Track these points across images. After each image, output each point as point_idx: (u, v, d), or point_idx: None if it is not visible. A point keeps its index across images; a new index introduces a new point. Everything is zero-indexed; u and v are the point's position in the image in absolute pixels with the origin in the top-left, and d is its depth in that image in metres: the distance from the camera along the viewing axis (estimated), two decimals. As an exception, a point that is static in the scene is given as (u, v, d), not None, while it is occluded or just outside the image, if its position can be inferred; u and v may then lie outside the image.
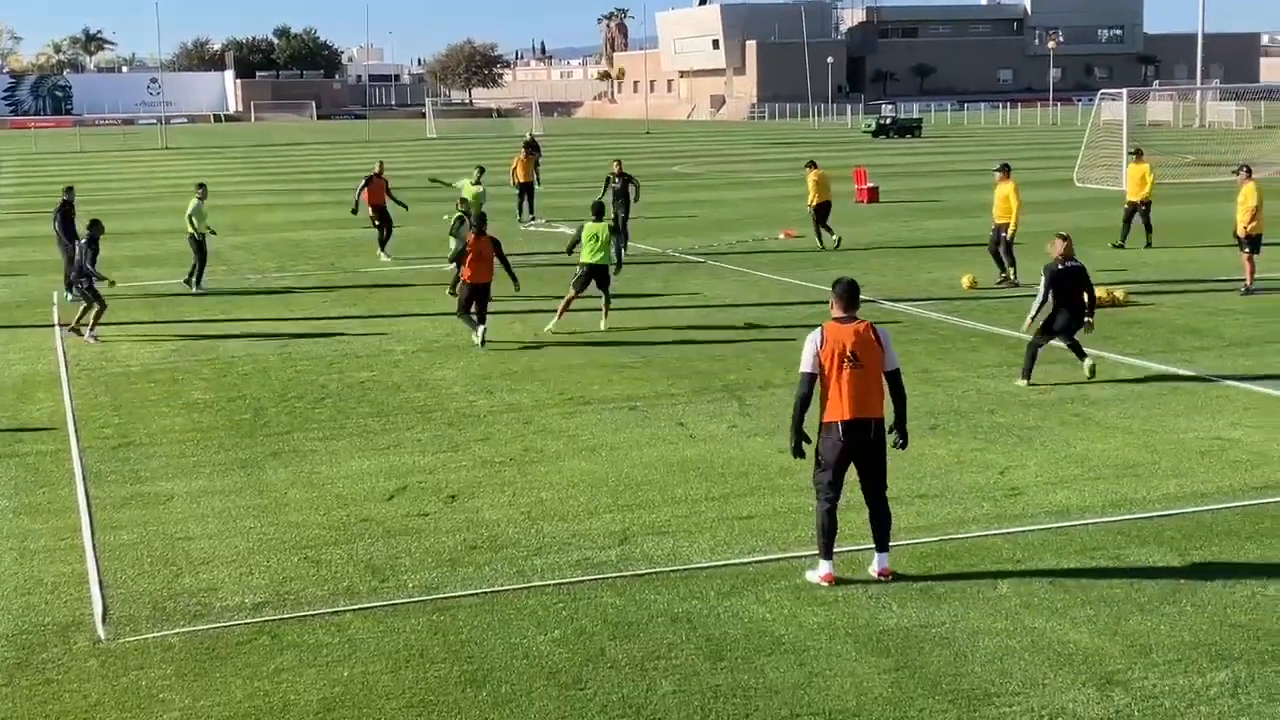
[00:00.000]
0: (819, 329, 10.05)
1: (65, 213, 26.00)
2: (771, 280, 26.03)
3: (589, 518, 11.90)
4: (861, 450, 9.90)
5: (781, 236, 33.21)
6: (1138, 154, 30.68)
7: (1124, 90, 50.23)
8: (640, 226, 32.84)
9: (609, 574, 10.50)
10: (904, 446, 10.19)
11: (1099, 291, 22.04)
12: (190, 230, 26.38)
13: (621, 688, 8.52)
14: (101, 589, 10.43)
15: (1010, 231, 24.16)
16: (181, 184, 58.48)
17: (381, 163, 31.91)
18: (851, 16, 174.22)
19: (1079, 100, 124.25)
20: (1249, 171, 23.23)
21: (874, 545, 10.15)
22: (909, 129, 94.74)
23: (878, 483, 10.02)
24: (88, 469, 13.89)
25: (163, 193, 52.65)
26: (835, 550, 10.14)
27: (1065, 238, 16.55)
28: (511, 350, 19.42)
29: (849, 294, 10.10)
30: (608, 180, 30.26)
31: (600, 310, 20.93)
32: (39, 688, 8.76)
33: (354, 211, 31.42)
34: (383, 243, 30.98)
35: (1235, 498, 12.01)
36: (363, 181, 31.10)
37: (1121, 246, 28.95)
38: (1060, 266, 16.29)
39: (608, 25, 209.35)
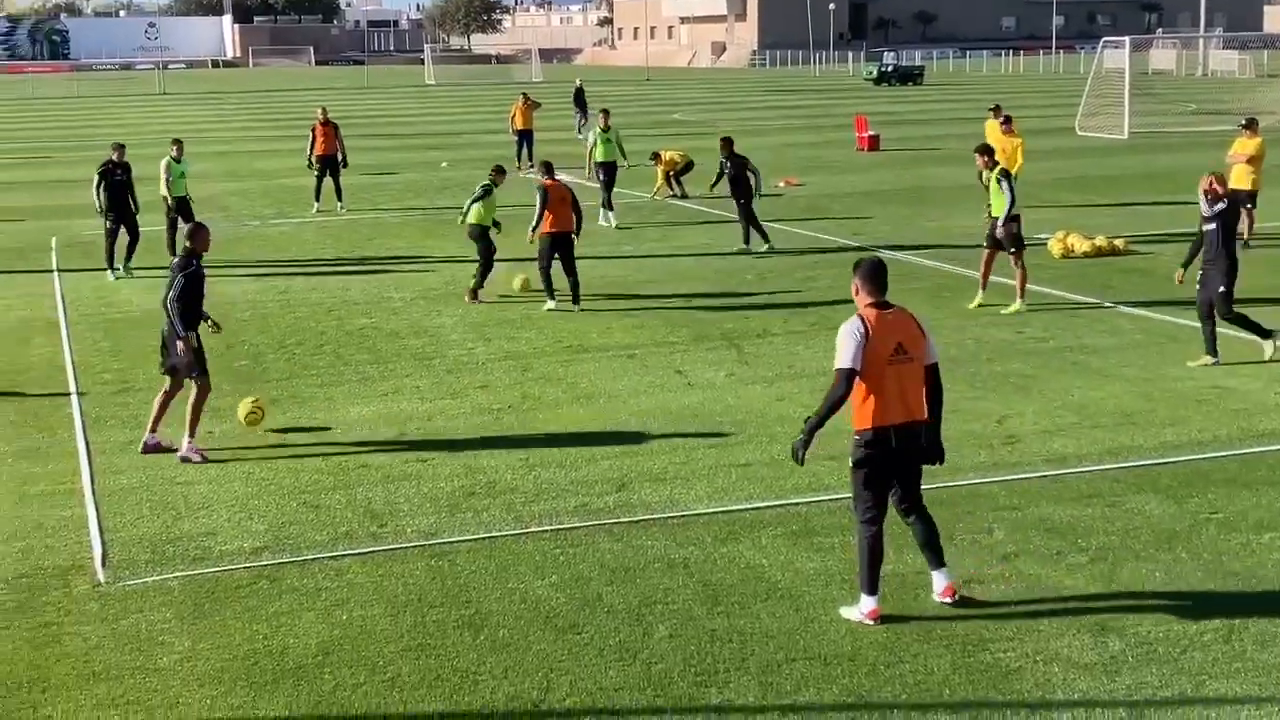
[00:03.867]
0: (857, 319, 8.43)
1: (111, 174, 21.99)
2: (771, 228, 25.97)
3: (587, 465, 11.93)
4: (907, 458, 8.54)
5: (782, 185, 33.09)
6: (996, 110, 27.76)
7: (1127, 38, 49.97)
8: (634, 175, 32.70)
9: (606, 520, 10.54)
10: (940, 461, 8.73)
11: (1100, 240, 22.09)
12: (167, 194, 23.05)
13: (618, 632, 8.57)
14: (101, 533, 10.47)
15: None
16: (179, 130, 58.23)
17: (324, 108, 30.69)
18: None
19: (1081, 48, 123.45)
20: (1255, 125, 22.88)
21: (929, 565, 8.87)
22: (910, 76, 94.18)
23: (915, 495, 8.70)
24: (87, 414, 13.92)
25: (161, 138, 52.38)
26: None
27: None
28: (510, 298, 19.39)
29: (879, 275, 8.50)
30: (721, 167, 23.68)
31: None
32: (39, 631, 8.81)
33: (310, 165, 29.96)
34: (338, 193, 29.65)
35: (1231, 446, 12.04)
36: (310, 133, 29.77)
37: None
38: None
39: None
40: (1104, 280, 19.74)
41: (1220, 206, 14.77)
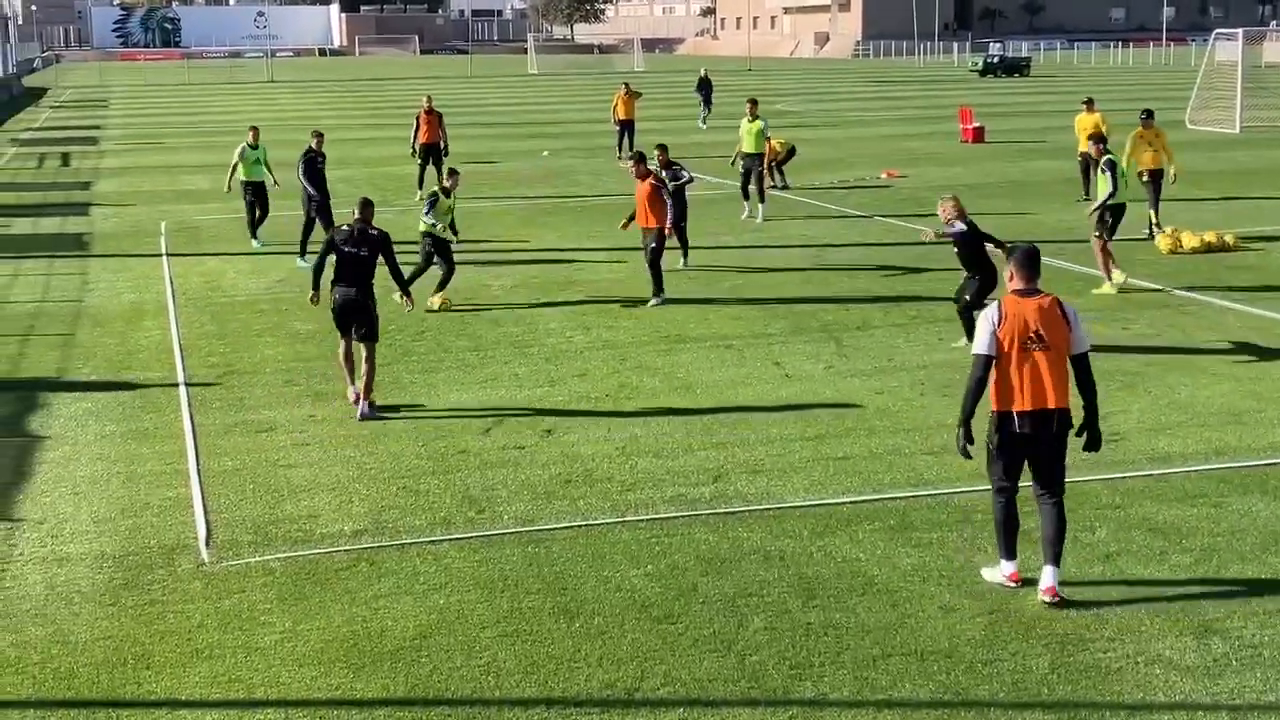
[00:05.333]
0: (996, 304, 8.76)
1: (314, 162, 22.47)
2: (872, 221, 25.79)
3: (683, 455, 11.93)
4: (1040, 444, 8.64)
5: (884, 176, 32.84)
6: (1089, 104, 27.13)
7: (1240, 30, 48.82)
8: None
9: (702, 511, 10.54)
10: (1096, 449, 8.86)
11: (1209, 235, 21.65)
12: (242, 178, 23.60)
13: (713, 623, 8.57)
14: (205, 513, 10.68)
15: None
16: (287, 118, 59.03)
17: (430, 96, 30.94)
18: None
19: (1192, 40, 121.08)
20: None
21: (1043, 557, 8.82)
22: (1017, 68, 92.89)
23: (1052, 482, 8.73)
24: (193, 396, 14.19)
25: (269, 125, 53.19)
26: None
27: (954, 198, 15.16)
28: (608, 288, 19.42)
29: (1030, 263, 8.74)
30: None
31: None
32: (145, 608, 9.01)
33: (413, 153, 30.04)
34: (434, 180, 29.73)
35: (1344, 448, 11.75)
36: (415, 121, 30.03)
37: (1087, 198, 26.09)
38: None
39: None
40: (1213, 276, 19.35)
41: (960, 228, 14.75)
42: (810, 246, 22.79)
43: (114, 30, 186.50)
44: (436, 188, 18.72)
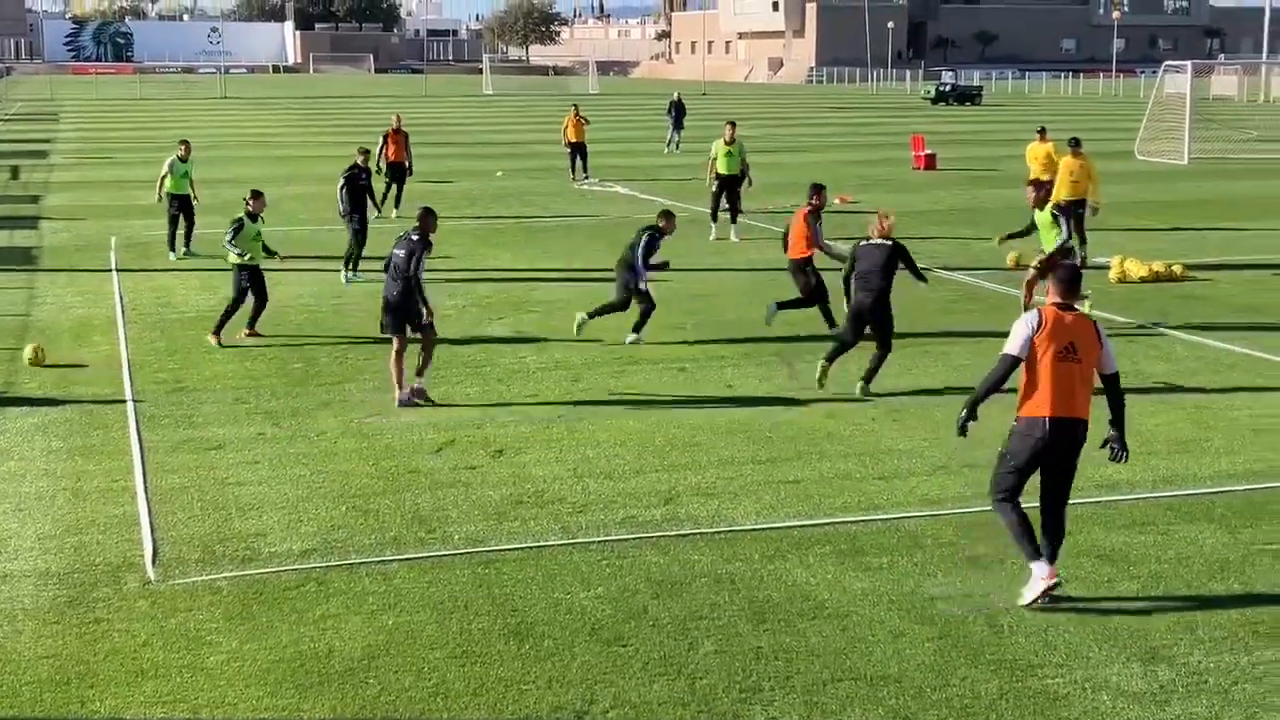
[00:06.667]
0: (1036, 311, 9.05)
1: (356, 178, 21.98)
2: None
3: (635, 477, 11.93)
4: (1060, 453, 8.95)
5: (837, 202, 32.98)
6: (1041, 133, 26.91)
7: (1188, 63, 49.52)
8: (695, 187, 32.70)
9: (653, 533, 10.54)
10: (1125, 459, 9.23)
11: (1157, 265, 21.88)
12: (169, 191, 23.59)
13: (663, 646, 8.56)
14: (152, 531, 10.56)
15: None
16: (240, 134, 58.75)
17: (399, 116, 30.92)
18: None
19: (1142, 72, 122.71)
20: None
21: (1038, 553, 9.15)
22: (968, 96, 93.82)
23: (1062, 493, 9.10)
24: (141, 413, 14.05)
25: (222, 141, 52.96)
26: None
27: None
28: (561, 309, 19.41)
29: (1073, 281, 9.15)
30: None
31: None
32: (89, 626, 8.90)
33: (379, 170, 29.11)
34: (397, 200, 29.25)
35: (1288, 477, 11.88)
36: (382, 138, 29.92)
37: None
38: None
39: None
40: (1160, 306, 19.56)
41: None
42: (763, 269, 22.84)
43: (65, 44, 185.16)
44: (242, 214, 17.19)
